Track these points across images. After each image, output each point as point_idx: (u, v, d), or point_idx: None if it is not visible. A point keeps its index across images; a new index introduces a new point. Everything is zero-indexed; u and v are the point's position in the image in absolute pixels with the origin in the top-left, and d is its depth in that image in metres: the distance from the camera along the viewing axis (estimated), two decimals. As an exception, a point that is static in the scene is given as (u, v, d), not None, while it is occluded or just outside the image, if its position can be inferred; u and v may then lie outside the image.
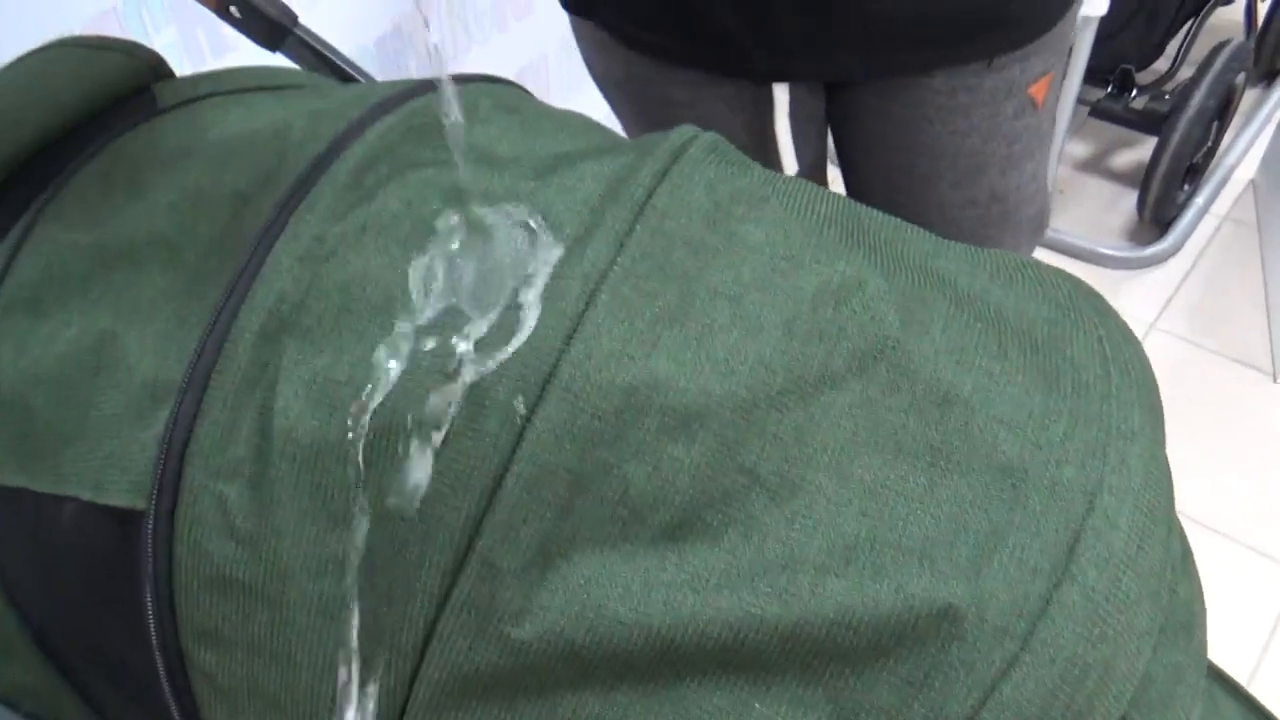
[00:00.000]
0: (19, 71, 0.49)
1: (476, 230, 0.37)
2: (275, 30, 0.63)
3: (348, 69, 0.64)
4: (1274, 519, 1.49)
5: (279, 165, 0.41)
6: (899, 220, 0.43)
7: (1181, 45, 1.87)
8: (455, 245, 0.37)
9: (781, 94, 0.84)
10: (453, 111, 0.40)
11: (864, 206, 0.43)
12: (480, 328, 0.35)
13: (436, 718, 0.35)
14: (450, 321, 0.35)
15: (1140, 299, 1.83)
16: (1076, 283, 0.42)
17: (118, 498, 0.37)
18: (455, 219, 0.37)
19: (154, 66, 0.52)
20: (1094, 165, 2.08)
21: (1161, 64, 1.87)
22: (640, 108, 0.90)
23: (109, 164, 0.45)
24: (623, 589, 0.33)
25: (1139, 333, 1.74)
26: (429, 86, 0.45)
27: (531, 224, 0.37)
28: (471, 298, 0.36)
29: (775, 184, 0.41)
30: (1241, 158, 2.03)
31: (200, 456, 0.36)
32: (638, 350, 0.34)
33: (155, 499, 0.36)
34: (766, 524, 0.34)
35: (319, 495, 0.35)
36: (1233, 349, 1.73)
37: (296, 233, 0.37)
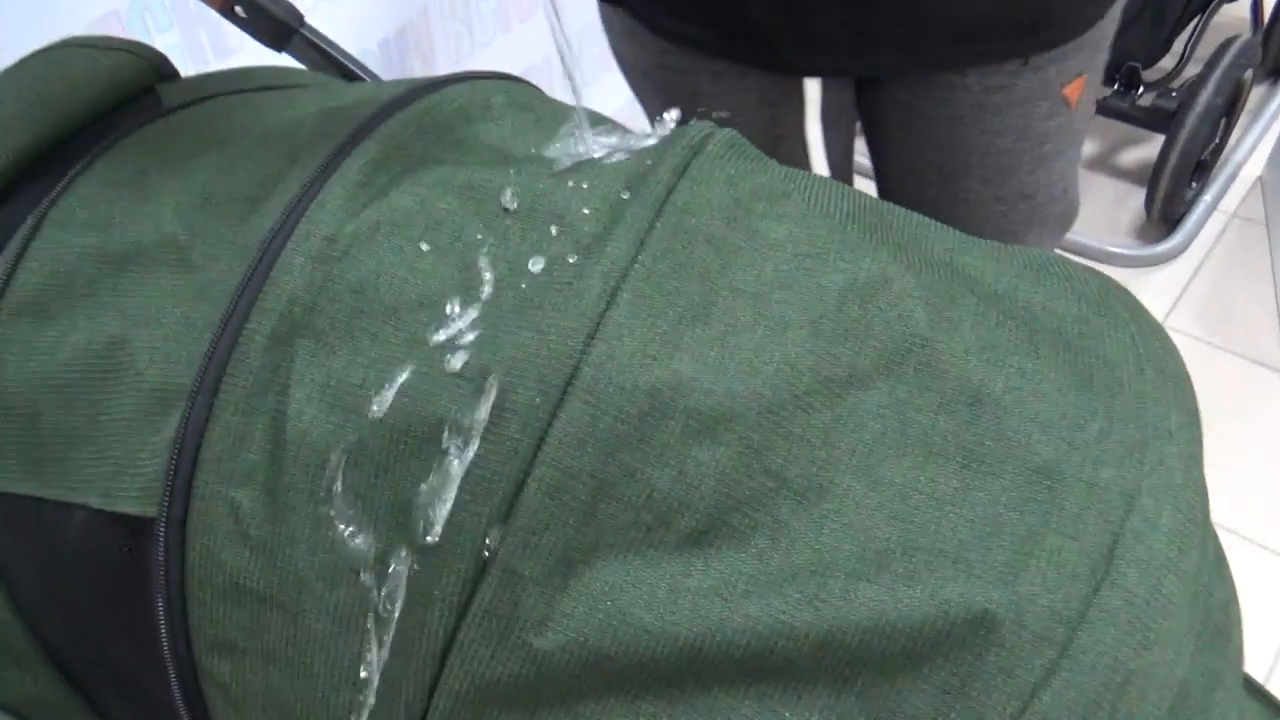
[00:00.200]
0: (24, 72, 0.48)
1: (493, 228, 0.37)
2: (281, 30, 0.62)
3: (354, 68, 0.64)
4: (1286, 517, 1.48)
5: (289, 165, 0.40)
6: (922, 216, 0.42)
7: (1188, 42, 1.86)
8: (472, 243, 0.36)
9: (814, 89, 0.84)
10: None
11: (886, 203, 0.42)
12: (498, 327, 0.34)
13: None
14: (467, 321, 0.34)
15: (1148, 297, 1.82)
16: (1104, 279, 0.41)
17: (128, 505, 0.36)
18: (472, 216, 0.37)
19: (159, 67, 0.51)
20: (1101, 163, 2.07)
21: (1168, 61, 1.86)
22: (669, 98, 0.89)
23: (115, 166, 0.44)
24: (648, 596, 0.32)
25: (1148, 331, 1.72)
26: (439, 84, 0.45)
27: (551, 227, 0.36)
28: (488, 297, 0.35)
29: (795, 180, 0.40)
30: (1249, 155, 2.02)
31: (212, 462, 0.35)
32: (660, 351, 0.33)
33: (166, 506, 0.35)
34: (795, 528, 0.33)
35: (334, 501, 0.34)
36: (1241, 346, 1.72)
37: (308, 233, 0.36)
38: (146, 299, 0.39)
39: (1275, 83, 2.19)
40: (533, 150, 0.40)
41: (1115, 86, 1.83)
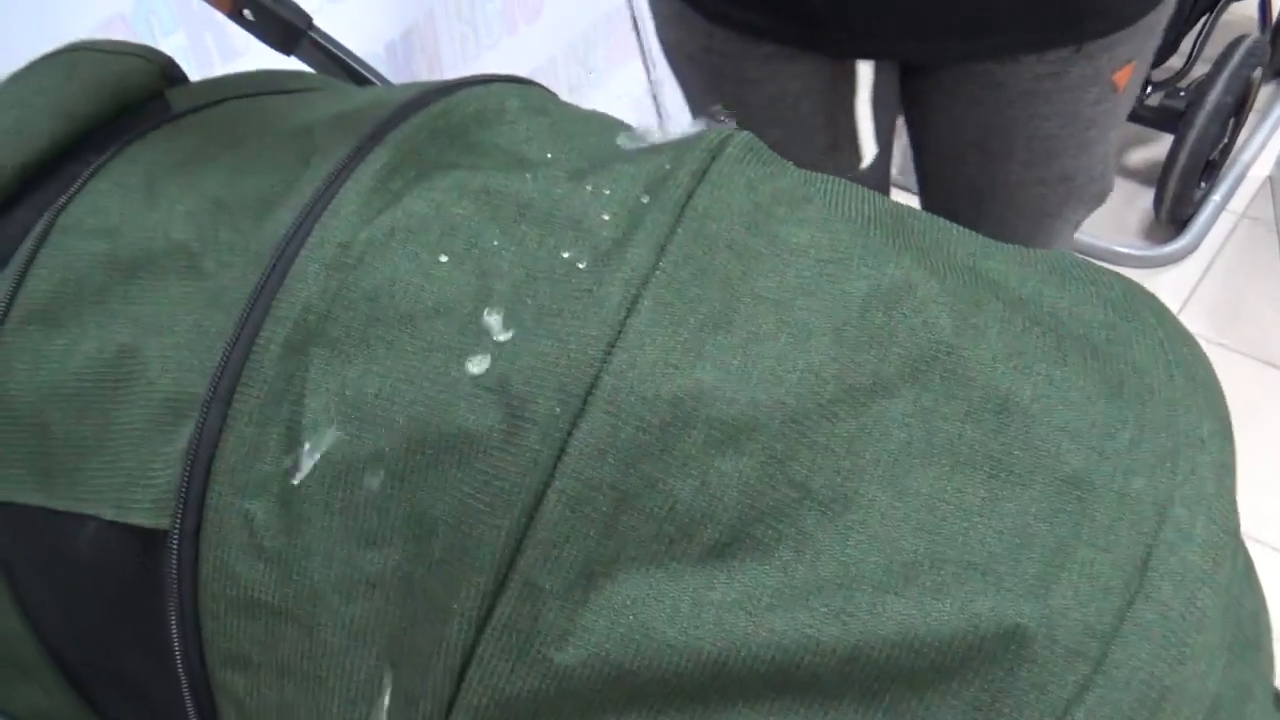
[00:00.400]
0: (32, 76, 0.48)
1: (510, 233, 0.36)
2: (290, 33, 0.61)
3: (363, 71, 0.63)
4: (1296, 519, 1.47)
5: (301, 171, 0.39)
6: (943, 220, 0.41)
7: (1196, 41, 1.85)
8: (489, 249, 0.36)
9: (866, 72, 0.83)
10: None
11: (907, 206, 0.41)
12: (516, 335, 0.33)
13: None
14: (485, 329, 0.34)
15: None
16: (1129, 283, 0.40)
17: (140, 516, 0.35)
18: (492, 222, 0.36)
19: (167, 71, 0.51)
20: (1108, 163, 2.06)
21: (1176, 61, 1.85)
22: (714, 83, 0.89)
23: (124, 171, 0.44)
24: (670, 609, 0.32)
25: (1157, 332, 1.71)
26: (453, 88, 0.44)
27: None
28: (506, 304, 0.34)
29: (815, 184, 0.40)
30: (1258, 154, 2.01)
31: (226, 473, 0.34)
32: (682, 359, 0.33)
33: (179, 518, 0.34)
34: (820, 540, 0.32)
35: (350, 513, 0.33)
36: (1252, 347, 1.71)
37: (322, 239, 0.36)
38: (158, 306, 0.39)
39: (1283, 82, 2.18)
40: (548, 154, 0.39)
41: (1123, 86, 1.82)
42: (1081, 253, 1.84)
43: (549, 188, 0.37)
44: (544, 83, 0.49)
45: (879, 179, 0.94)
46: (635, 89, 1.64)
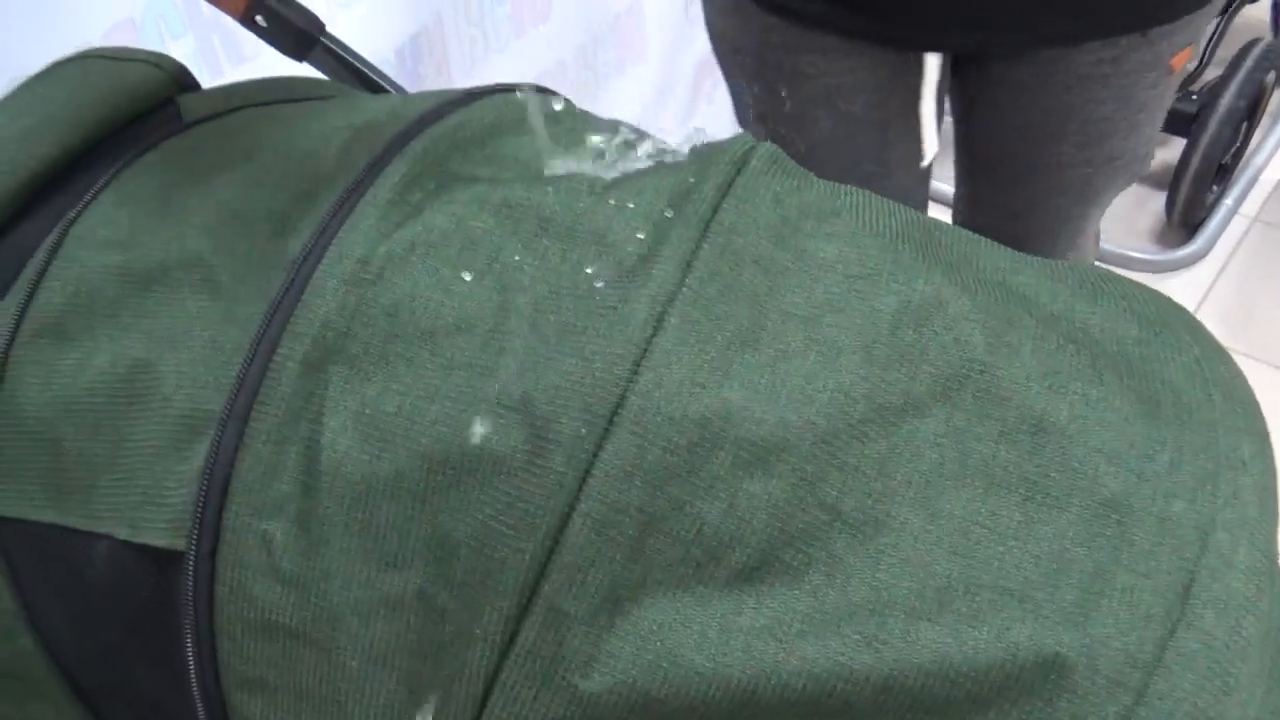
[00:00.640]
0: (44, 83, 0.47)
1: (532, 248, 0.35)
2: (302, 39, 0.61)
3: (377, 79, 0.62)
4: (1312, 527, 1.46)
5: (318, 183, 0.39)
6: (970, 233, 0.40)
7: (1209, 44, 1.84)
8: (510, 264, 0.35)
9: (933, 66, 0.83)
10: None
11: (934, 219, 0.40)
12: (540, 353, 0.33)
13: None
14: (507, 346, 0.33)
15: (1169, 303, 1.80)
16: (1162, 298, 0.40)
17: (155, 536, 0.35)
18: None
19: (180, 79, 0.50)
20: (1118, 167, 2.05)
21: (1188, 64, 1.84)
22: (769, 76, 0.87)
23: (138, 181, 0.43)
24: (698, 635, 0.31)
25: (1169, 337, 1.70)
26: (470, 98, 0.43)
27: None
28: (529, 321, 0.34)
29: (842, 196, 0.39)
30: (1271, 158, 2.00)
31: (243, 493, 0.34)
32: (709, 379, 0.32)
33: (195, 538, 0.34)
34: (851, 564, 0.31)
35: (370, 534, 0.33)
36: (1265, 352, 1.70)
37: (340, 254, 0.35)
38: (172, 320, 0.38)
39: (1296, 85, 2.17)
40: (574, 166, 0.39)
41: (1135, 89, 1.81)
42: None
43: (571, 201, 0.36)
44: (552, 86, 0.49)
45: (923, 176, 0.93)
46: (645, 93, 1.63)
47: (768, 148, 0.39)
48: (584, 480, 0.31)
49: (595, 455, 0.31)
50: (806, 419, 0.32)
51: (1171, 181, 1.79)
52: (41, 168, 0.43)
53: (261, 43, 0.60)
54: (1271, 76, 1.79)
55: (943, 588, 0.31)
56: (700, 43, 1.71)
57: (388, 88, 0.62)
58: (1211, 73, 1.80)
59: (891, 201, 0.40)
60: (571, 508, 0.31)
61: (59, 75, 0.48)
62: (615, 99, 1.57)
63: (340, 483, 0.33)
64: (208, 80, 0.53)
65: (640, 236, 0.35)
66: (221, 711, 0.36)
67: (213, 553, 0.34)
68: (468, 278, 0.35)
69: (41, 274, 0.41)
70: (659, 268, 0.33)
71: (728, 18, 0.88)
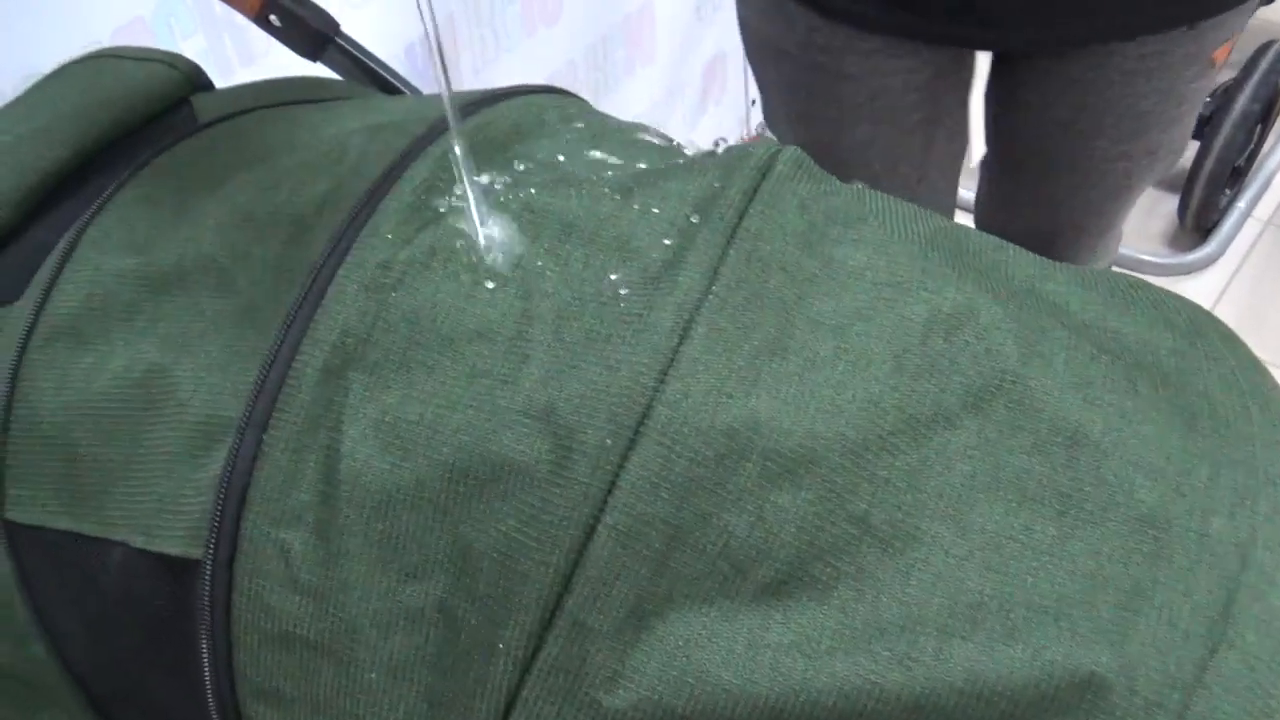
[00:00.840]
0: (56, 83, 0.47)
1: (555, 253, 0.35)
2: (316, 39, 0.60)
3: (391, 79, 0.62)
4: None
5: (336, 186, 0.38)
6: (999, 240, 0.40)
7: (1221, 46, 1.83)
8: (533, 270, 0.34)
9: (983, 66, 0.81)
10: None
11: (963, 226, 0.40)
12: (564, 361, 0.32)
13: None
14: (530, 353, 0.32)
15: (1181, 306, 1.78)
16: (1195, 307, 0.39)
17: (171, 545, 0.34)
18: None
19: (194, 79, 0.49)
20: (1130, 169, 2.03)
21: (1201, 66, 1.83)
22: (811, 79, 0.87)
23: (153, 183, 0.43)
24: (725, 651, 0.30)
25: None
26: (489, 101, 0.43)
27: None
28: (552, 328, 0.33)
29: (869, 202, 0.38)
30: (1283, 161, 1.98)
31: (261, 502, 0.33)
32: (737, 388, 0.31)
33: (213, 547, 0.33)
34: (880, 579, 0.31)
35: (390, 545, 0.32)
36: (1279, 356, 1.69)
37: (360, 259, 0.34)
38: (188, 324, 0.37)
39: (1310, 88, 2.15)
40: (594, 174, 0.38)
41: (1148, 92, 1.80)
42: (1105, 260, 1.82)
43: (594, 205, 0.36)
44: (564, 85, 0.48)
45: (954, 182, 0.92)
46: (654, 93, 1.62)
47: (792, 152, 0.38)
48: (609, 492, 0.30)
49: (621, 466, 0.30)
50: (836, 430, 0.31)
51: (1185, 185, 1.77)
52: (54, 169, 0.43)
53: (272, 42, 0.60)
54: (1286, 79, 1.78)
55: (975, 604, 0.30)
56: (710, 44, 1.70)
57: (402, 88, 0.61)
58: (1225, 75, 1.79)
59: (918, 207, 0.39)
60: (596, 520, 0.30)
61: (71, 75, 0.47)
62: (625, 99, 1.57)
63: (360, 492, 0.32)
64: (219, 80, 0.52)
65: (666, 243, 0.34)
66: None
67: (230, 562, 0.33)
68: (489, 284, 0.34)
69: (55, 277, 0.41)
70: (685, 275, 0.32)
71: (769, 20, 0.87)
